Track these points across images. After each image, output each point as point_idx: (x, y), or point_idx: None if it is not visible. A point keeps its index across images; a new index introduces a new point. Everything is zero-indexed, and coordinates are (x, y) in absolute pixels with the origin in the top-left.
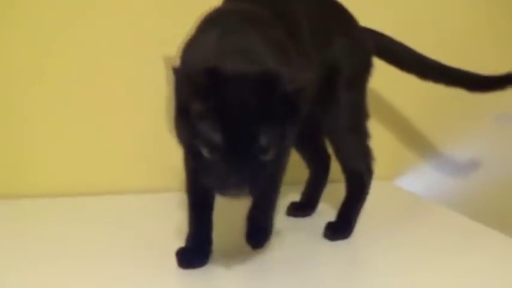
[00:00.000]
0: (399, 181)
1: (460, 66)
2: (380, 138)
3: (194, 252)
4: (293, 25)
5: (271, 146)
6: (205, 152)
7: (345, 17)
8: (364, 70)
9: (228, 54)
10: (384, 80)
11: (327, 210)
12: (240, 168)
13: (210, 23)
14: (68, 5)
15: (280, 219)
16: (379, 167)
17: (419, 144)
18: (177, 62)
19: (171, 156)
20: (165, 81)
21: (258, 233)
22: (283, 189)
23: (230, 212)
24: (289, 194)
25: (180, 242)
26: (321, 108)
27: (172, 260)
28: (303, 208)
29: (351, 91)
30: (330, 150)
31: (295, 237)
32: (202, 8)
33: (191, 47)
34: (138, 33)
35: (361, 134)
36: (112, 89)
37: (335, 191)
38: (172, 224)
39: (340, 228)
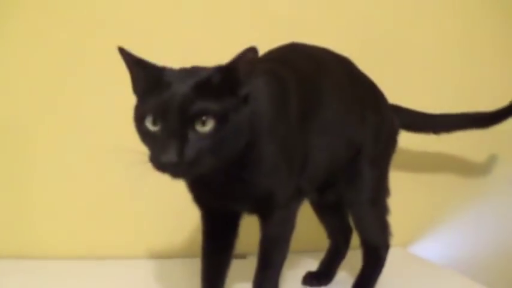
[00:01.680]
0: (413, 248)
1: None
2: (394, 205)
3: None
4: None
5: (206, 118)
6: (148, 123)
7: (376, 96)
8: (389, 148)
9: None
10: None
11: (343, 279)
12: (172, 140)
13: None
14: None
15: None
16: (394, 234)
17: (434, 211)
18: None
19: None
20: None
21: None
22: (300, 256)
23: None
24: (307, 261)
25: None
26: (345, 182)
27: None
28: (319, 278)
29: (375, 168)
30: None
31: None
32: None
33: None
34: None
35: (381, 209)
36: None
37: (352, 258)
38: None
39: None
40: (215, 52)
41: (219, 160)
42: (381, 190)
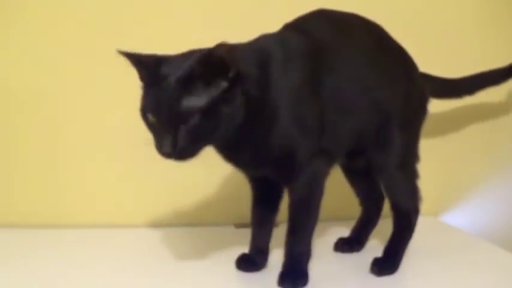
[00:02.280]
0: (444, 217)
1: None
2: (426, 174)
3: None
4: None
5: (193, 114)
6: (149, 115)
7: (407, 63)
8: (420, 115)
9: None
10: (431, 117)
11: (374, 246)
12: (165, 134)
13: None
14: None
15: (328, 254)
16: (424, 203)
17: (465, 180)
18: None
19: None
20: None
21: (290, 278)
22: (332, 224)
23: None
24: (340, 229)
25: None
26: (374, 147)
27: None
28: (350, 244)
29: (405, 134)
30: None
31: (342, 273)
32: None
33: None
34: None
35: (411, 174)
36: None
37: (383, 227)
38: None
39: (386, 264)
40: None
41: (214, 140)
42: (410, 155)
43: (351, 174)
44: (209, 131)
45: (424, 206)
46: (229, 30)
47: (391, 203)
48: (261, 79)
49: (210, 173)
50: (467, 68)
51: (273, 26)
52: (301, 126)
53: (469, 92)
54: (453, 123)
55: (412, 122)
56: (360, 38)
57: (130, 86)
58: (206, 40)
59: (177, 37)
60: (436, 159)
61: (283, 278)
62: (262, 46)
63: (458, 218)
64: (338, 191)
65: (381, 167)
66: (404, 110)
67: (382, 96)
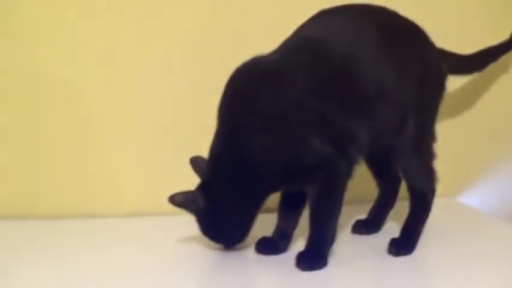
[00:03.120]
0: (463, 197)
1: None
2: (443, 154)
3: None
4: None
5: None
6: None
7: (420, 43)
8: (436, 95)
9: None
10: (448, 97)
11: (392, 228)
12: None
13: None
14: None
15: (346, 237)
16: (442, 184)
17: (483, 160)
18: None
19: None
20: None
21: (308, 259)
22: (350, 207)
23: None
24: (357, 212)
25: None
26: (392, 131)
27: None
28: (368, 226)
29: (421, 115)
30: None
31: (360, 254)
32: None
33: None
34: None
35: (427, 155)
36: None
37: (400, 208)
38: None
39: (403, 244)
40: None
41: None
42: (426, 137)
43: (368, 156)
44: None
45: (442, 187)
46: None
47: (408, 185)
48: None
49: None
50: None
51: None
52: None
53: (485, 64)
54: (470, 103)
55: (427, 103)
56: (360, 33)
57: (157, 75)
58: None
59: None
60: (453, 139)
61: (301, 258)
62: None
63: (476, 198)
64: (356, 174)
65: (397, 150)
66: (419, 93)
67: (399, 90)
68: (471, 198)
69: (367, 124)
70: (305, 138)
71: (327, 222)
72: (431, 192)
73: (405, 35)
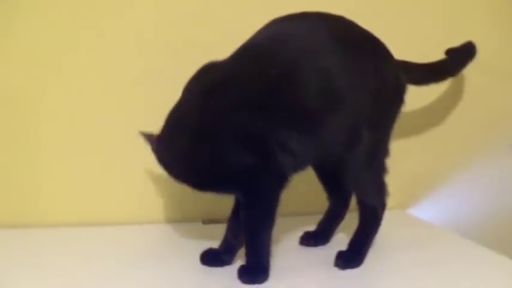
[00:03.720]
0: (413, 210)
1: None
2: (394, 167)
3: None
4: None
5: None
6: None
7: (376, 56)
8: (393, 110)
9: None
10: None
11: (341, 240)
12: None
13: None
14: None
15: (293, 248)
16: (393, 196)
17: (433, 173)
18: None
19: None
20: None
21: (248, 270)
22: (299, 219)
23: None
24: (308, 223)
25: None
26: (342, 143)
27: None
28: (316, 238)
29: (376, 130)
30: None
31: (306, 266)
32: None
33: None
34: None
35: (379, 170)
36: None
37: (350, 220)
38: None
39: (350, 258)
40: None
41: None
42: (380, 151)
43: (319, 168)
44: None
45: (392, 199)
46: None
47: (358, 199)
48: None
49: None
50: None
51: None
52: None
53: (453, 74)
54: (420, 117)
55: (383, 118)
56: (317, 41)
57: (103, 81)
58: None
59: None
60: (404, 152)
61: (242, 271)
62: None
63: (426, 211)
64: (306, 185)
65: (348, 165)
66: (375, 107)
67: (351, 102)
68: (421, 211)
69: (307, 135)
70: (227, 148)
71: (258, 234)
72: (382, 207)
73: (361, 46)
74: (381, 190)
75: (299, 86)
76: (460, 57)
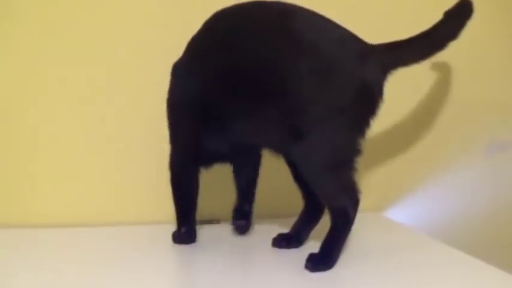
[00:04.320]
0: (389, 212)
1: None
2: (369, 169)
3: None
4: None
5: None
6: None
7: (335, 48)
8: (349, 106)
9: None
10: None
11: (316, 244)
12: None
13: None
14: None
15: (266, 250)
16: (369, 199)
17: (409, 175)
18: None
19: None
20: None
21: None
22: (275, 221)
23: None
24: (283, 226)
25: None
26: (281, 140)
27: None
28: (289, 240)
29: (324, 128)
30: None
31: (277, 268)
32: None
33: None
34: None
35: (344, 170)
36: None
37: (326, 222)
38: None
39: (321, 260)
40: None
41: None
42: (341, 151)
43: (294, 168)
44: None
45: (369, 202)
46: None
47: (326, 204)
48: None
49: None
50: None
51: None
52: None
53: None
54: (397, 119)
55: (332, 115)
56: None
57: (103, 81)
58: None
59: None
60: (379, 154)
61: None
62: None
63: (403, 213)
64: (281, 187)
65: (301, 165)
66: (317, 104)
67: (291, 96)
68: (397, 213)
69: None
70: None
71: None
72: (352, 206)
73: (312, 37)
74: (348, 190)
75: (234, 77)
76: (456, 17)
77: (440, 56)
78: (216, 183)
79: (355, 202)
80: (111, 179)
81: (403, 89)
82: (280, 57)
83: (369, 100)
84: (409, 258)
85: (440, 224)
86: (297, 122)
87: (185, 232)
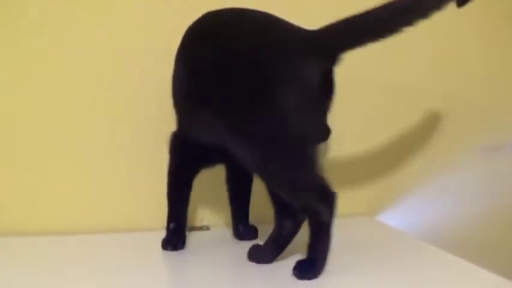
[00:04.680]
0: (382, 216)
1: None
2: (362, 173)
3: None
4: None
5: None
6: None
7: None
8: (276, 103)
9: None
10: (364, 111)
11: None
12: None
13: None
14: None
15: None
16: (361, 203)
17: (402, 179)
18: None
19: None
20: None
21: None
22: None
23: None
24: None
25: None
26: (219, 140)
27: None
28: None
29: (254, 128)
30: None
31: (266, 276)
32: None
33: None
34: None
35: (302, 171)
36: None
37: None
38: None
39: (307, 268)
40: None
41: None
42: (287, 153)
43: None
44: None
45: (361, 206)
46: None
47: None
48: None
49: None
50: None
51: None
52: None
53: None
54: (388, 122)
55: (252, 123)
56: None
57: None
58: None
59: None
60: (372, 159)
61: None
62: None
63: (396, 217)
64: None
65: (250, 169)
66: (233, 104)
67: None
68: (390, 218)
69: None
70: None
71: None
72: (326, 209)
73: (243, 32)
74: (311, 189)
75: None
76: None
77: (438, 58)
78: (206, 190)
79: (328, 206)
80: (101, 185)
81: (397, 93)
82: (214, 66)
83: (297, 97)
84: (403, 262)
85: (434, 228)
86: (233, 119)
87: (174, 229)
